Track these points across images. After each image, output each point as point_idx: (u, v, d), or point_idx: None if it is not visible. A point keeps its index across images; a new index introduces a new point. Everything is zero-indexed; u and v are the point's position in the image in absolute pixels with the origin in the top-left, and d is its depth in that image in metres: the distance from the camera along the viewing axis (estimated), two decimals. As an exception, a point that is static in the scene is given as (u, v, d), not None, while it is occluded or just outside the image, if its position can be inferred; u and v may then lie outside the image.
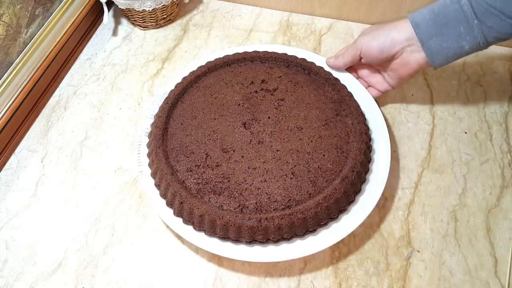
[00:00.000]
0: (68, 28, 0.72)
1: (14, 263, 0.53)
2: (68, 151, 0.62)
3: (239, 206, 0.47)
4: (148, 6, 0.72)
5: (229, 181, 0.49)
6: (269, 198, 0.48)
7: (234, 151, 0.52)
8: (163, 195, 0.50)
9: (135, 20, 0.76)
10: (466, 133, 0.62)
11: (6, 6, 0.59)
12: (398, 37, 0.51)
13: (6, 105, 0.62)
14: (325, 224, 0.48)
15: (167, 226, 0.52)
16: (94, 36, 0.77)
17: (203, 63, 0.62)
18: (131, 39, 0.76)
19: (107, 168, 0.60)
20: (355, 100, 0.56)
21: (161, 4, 0.73)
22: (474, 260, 0.51)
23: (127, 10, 0.74)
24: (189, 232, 0.48)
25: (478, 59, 0.70)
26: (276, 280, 0.50)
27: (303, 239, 0.47)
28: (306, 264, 0.51)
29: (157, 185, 0.51)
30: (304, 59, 0.61)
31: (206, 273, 0.51)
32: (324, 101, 0.57)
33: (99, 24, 0.78)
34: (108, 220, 0.55)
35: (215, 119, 0.55)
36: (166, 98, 0.58)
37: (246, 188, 0.49)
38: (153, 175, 0.52)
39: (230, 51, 0.63)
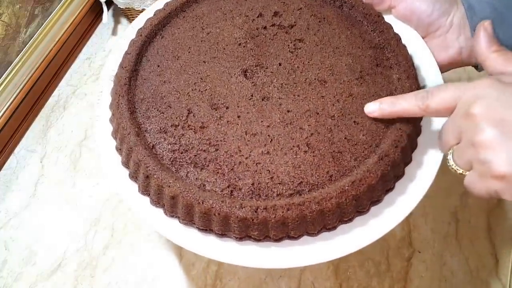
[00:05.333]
0: (68, 28, 0.71)
1: (14, 263, 0.52)
2: (68, 151, 0.62)
3: (228, 186, 0.35)
4: (148, 5, 0.71)
5: (217, 150, 0.37)
6: (271, 178, 0.35)
7: (227, 108, 0.39)
8: (125, 163, 0.38)
9: (134, 19, 0.76)
10: (467, 133, 0.61)
11: (5, 5, 0.59)
12: (454, 14, 0.40)
13: (5, 105, 0.62)
14: (350, 219, 0.35)
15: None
16: (93, 35, 0.77)
17: None
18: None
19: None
20: (404, 47, 0.41)
21: (161, 3, 0.72)
22: (475, 260, 0.50)
23: (127, 9, 0.73)
24: (158, 216, 0.36)
25: (479, 58, 0.70)
26: (277, 281, 0.49)
27: (315, 237, 0.35)
28: (306, 267, 0.50)
29: (118, 149, 0.39)
30: None
31: (206, 273, 0.51)
32: (360, 45, 0.42)
33: (98, 24, 0.78)
34: (108, 221, 0.55)
35: (205, 62, 0.42)
36: (140, 29, 0.44)
37: (240, 162, 0.36)
38: (114, 133, 0.39)
39: None
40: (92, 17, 0.77)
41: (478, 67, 0.41)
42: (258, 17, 0.45)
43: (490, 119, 0.25)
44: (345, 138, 0.37)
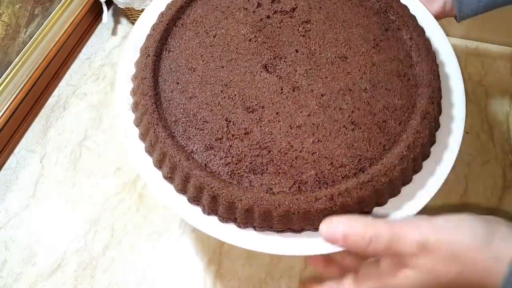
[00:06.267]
0: (67, 28, 0.71)
1: (14, 263, 0.52)
2: (67, 151, 0.62)
3: (294, 183, 0.35)
4: (148, 5, 0.71)
5: (270, 151, 0.36)
6: (331, 163, 0.35)
7: (263, 107, 0.38)
8: (182, 190, 0.37)
9: (134, 20, 0.76)
10: (467, 133, 0.61)
11: (5, 5, 0.59)
12: None
13: (5, 105, 0.62)
14: (410, 180, 0.36)
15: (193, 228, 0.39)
16: (93, 35, 0.77)
17: None
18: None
19: (106, 169, 0.60)
20: (405, 6, 0.42)
21: (161, 3, 0.72)
22: (476, 260, 0.50)
23: (127, 9, 0.73)
24: (231, 230, 0.36)
25: (480, 58, 0.70)
26: (277, 281, 0.49)
27: (384, 207, 0.36)
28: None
29: (168, 177, 0.38)
30: None
31: (206, 273, 0.50)
32: (364, 13, 0.43)
33: (98, 24, 0.78)
34: (108, 221, 0.55)
35: (223, 67, 0.41)
36: (145, 48, 0.41)
37: (296, 157, 0.36)
38: (159, 163, 0.38)
39: None
40: (92, 17, 0.77)
41: (456, 17, 0.44)
42: (257, 7, 0.44)
43: None
44: (384, 107, 0.38)
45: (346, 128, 0.37)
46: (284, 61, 0.41)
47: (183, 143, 0.37)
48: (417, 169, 0.37)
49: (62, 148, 0.63)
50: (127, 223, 0.55)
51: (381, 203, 0.35)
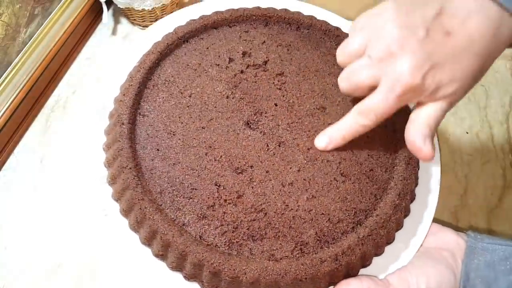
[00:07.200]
0: (68, 28, 0.71)
1: (13, 264, 0.52)
2: (68, 151, 0.62)
3: (296, 246, 0.34)
4: (148, 5, 0.71)
5: (266, 214, 0.35)
6: (329, 219, 0.35)
7: (252, 167, 0.37)
8: (177, 267, 0.36)
9: (134, 20, 0.76)
10: (467, 133, 0.61)
11: (5, 5, 0.59)
12: None
13: (5, 105, 0.62)
14: (402, 227, 0.38)
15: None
16: (93, 35, 0.77)
17: (149, 46, 0.43)
18: (131, 38, 0.76)
19: (106, 169, 0.60)
20: None
21: (161, 4, 0.72)
22: (476, 261, 0.50)
23: (127, 9, 0.73)
24: None
25: (479, 58, 0.70)
26: None
27: (381, 256, 0.37)
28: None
29: (160, 255, 0.36)
30: (286, 10, 0.45)
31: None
32: (334, 61, 0.42)
33: (98, 24, 0.78)
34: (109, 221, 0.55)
35: (204, 127, 0.39)
36: (117, 115, 0.39)
37: (293, 216, 0.35)
38: (147, 241, 0.36)
39: (180, 17, 0.46)
40: (92, 17, 0.77)
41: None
42: (229, 62, 0.43)
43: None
44: (368, 155, 0.38)
45: (337, 181, 0.37)
46: (265, 116, 0.40)
47: (173, 216, 0.35)
48: (407, 213, 0.38)
49: (62, 148, 0.63)
50: (127, 223, 0.55)
51: (380, 253, 0.36)
